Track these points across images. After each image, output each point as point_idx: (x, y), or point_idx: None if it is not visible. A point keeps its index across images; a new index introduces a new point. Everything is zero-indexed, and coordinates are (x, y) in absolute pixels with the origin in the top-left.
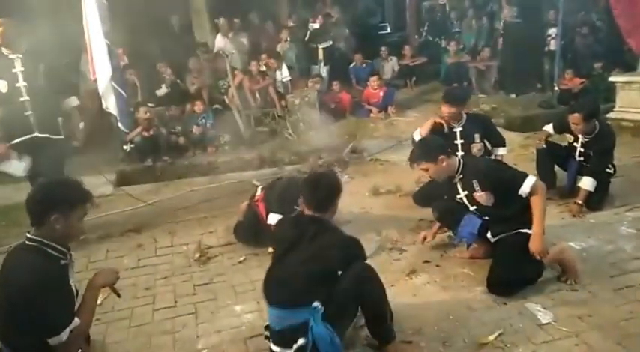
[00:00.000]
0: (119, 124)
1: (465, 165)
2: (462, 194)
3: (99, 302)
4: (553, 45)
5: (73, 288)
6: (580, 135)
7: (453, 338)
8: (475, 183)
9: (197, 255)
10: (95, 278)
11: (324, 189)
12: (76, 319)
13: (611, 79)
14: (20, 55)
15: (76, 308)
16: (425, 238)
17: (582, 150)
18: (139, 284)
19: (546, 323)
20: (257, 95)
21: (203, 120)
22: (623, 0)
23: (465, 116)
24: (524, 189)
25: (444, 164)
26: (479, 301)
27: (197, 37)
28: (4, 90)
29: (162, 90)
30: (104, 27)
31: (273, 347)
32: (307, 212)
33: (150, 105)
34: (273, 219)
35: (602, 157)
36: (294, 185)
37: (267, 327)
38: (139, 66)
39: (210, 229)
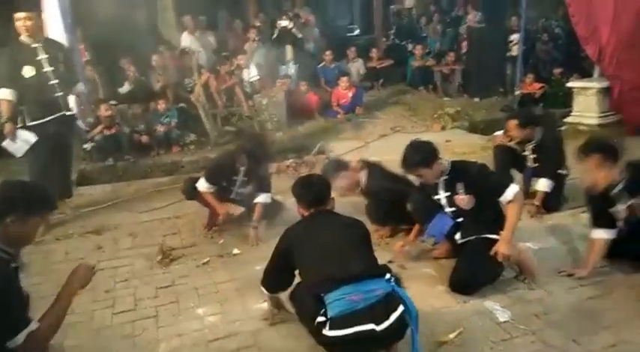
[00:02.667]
0: (79, 122)
1: (454, 167)
2: (443, 195)
3: None
4: (515, 50)
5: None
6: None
7: None
8: (460, 186)
9: (159, 257)
10: (71, 280)
11: (318, 184)
12: (34, 322)
13: (568, 84)
14: (41, 44)
15: (27, 312)
16: (403, 246)
17: (534, 156)
18: (99, 286)
19: (504, 322)
20: (223, 94)
21: (167, 119)
22: (580, 8)
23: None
24: (507, 196)
25: (438, 167)
26: (441, 300)
27: (163, 34)
28: (30, 74)
29: (125, 88)
30: (65, 21)
31: (363, 328)
32: (307, 212)
33: (112, 102)
34: (202, 185)
35: (553, 158)
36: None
37: (330, 319)
38: (102, 62)
39: (174, 230)
